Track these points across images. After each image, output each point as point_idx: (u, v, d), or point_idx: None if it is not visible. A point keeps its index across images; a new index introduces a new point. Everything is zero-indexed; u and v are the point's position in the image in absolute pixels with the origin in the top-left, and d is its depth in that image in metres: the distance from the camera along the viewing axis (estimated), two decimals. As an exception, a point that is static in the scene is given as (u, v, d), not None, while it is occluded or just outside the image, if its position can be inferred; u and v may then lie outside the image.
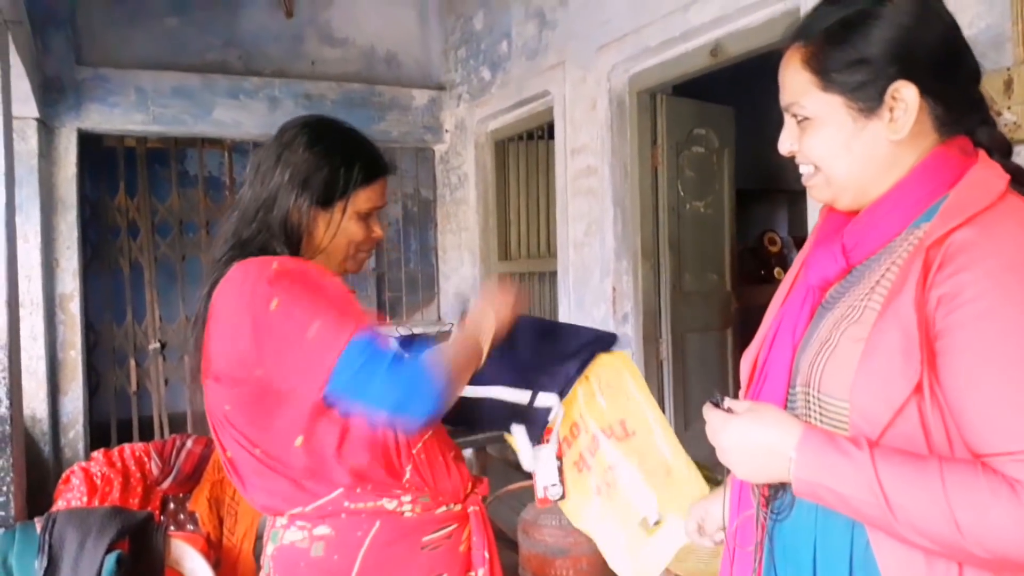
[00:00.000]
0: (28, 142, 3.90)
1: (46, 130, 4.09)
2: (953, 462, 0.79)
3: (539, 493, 1.61)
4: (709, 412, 0.93)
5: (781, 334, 1.01)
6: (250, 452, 1.27)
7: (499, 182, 4.74)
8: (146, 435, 4.25)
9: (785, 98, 0.97)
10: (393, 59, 4.99)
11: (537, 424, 1.62)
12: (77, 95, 4.16)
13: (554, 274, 4.07)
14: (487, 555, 1.39)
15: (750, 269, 5.41)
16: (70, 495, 2.65)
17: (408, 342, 1.29)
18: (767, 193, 5.67)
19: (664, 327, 3.62)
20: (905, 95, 0.90)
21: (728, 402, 0.93)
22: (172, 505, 2.84)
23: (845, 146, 0.93)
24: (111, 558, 1.92)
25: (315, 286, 1.24)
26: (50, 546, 1.94)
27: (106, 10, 4.28)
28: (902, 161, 0.93)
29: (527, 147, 4.53)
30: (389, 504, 1.30)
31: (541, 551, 2.71)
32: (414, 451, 1.33)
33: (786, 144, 1.00)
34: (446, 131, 5.05)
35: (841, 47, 0.91)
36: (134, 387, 4.47)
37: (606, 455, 1.61)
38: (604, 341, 1.70)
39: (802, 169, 1.00)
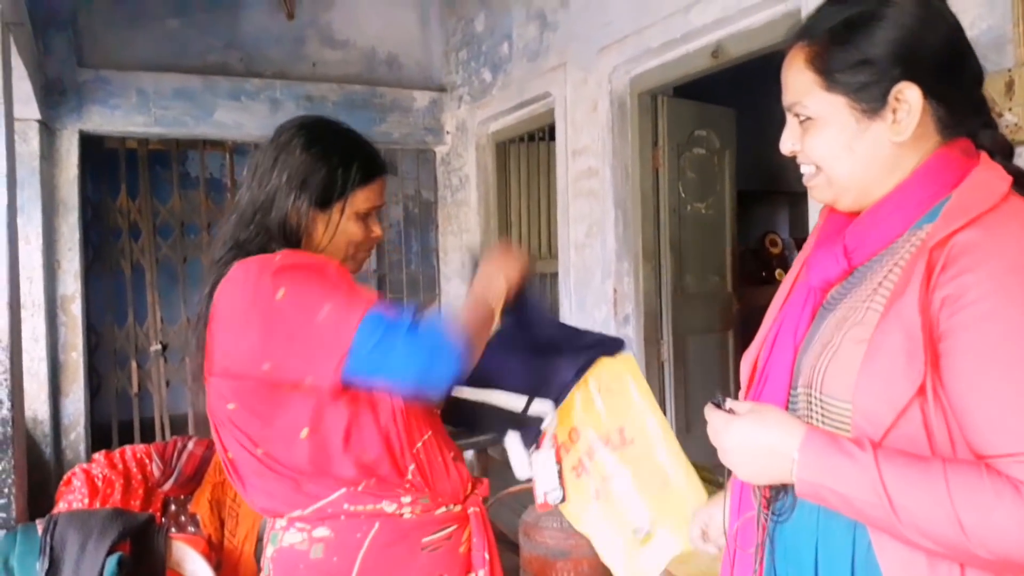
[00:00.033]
0: (30, 144, 3.90)
1: (48, 132, 4.09)
2: (957, 463, 0.79)
3: (539, 498, 1.59)
4: (711, 413, 0.93)
5: (782, 335, 1.01)
6: (251, 452, 1.27)
7: (500, 184, 4.74)
8: (147, 437, 4.24)
9: (788, 98, 0.97)
10: (394, 61, 5.00)
11: (530, 432, 1.61)
12: (79, 97, 4.17)
13: (555, 275, 4.07)
14: (487, 556, 1.39)
15: (751, 270, 5.40)
16: (71, 497, 2.65)
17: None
18: (768, 194, 5.67)
19: (665, 329, 3.61)
20: (909, 97, 0.89)
21: (730, 403, 0.93)
22: (173, 507, 2.84)
23: (847, 147, 0.93)
24: (112, 560, 1.92)
25: (320, 272, 1.24)
26: (51, 548, 1.94)
27: (107, 12, 4.28)
28: (904, 163, 0.93)
29: (528, 149, 4.53)
30: (389, 507, 1.29)
31: (542, 553, 2.71)
32: (416, 447, 1.32)
33: (788, 144, 0.99)
34: (447, 133, 5.05)
35: (845, 47, 0.91)
36: (135, 389, 4.47)
37: (603, 463, 1.59)
38: (607, 346, 1.67)
39: (803, 169, 1.00)
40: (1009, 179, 0.87)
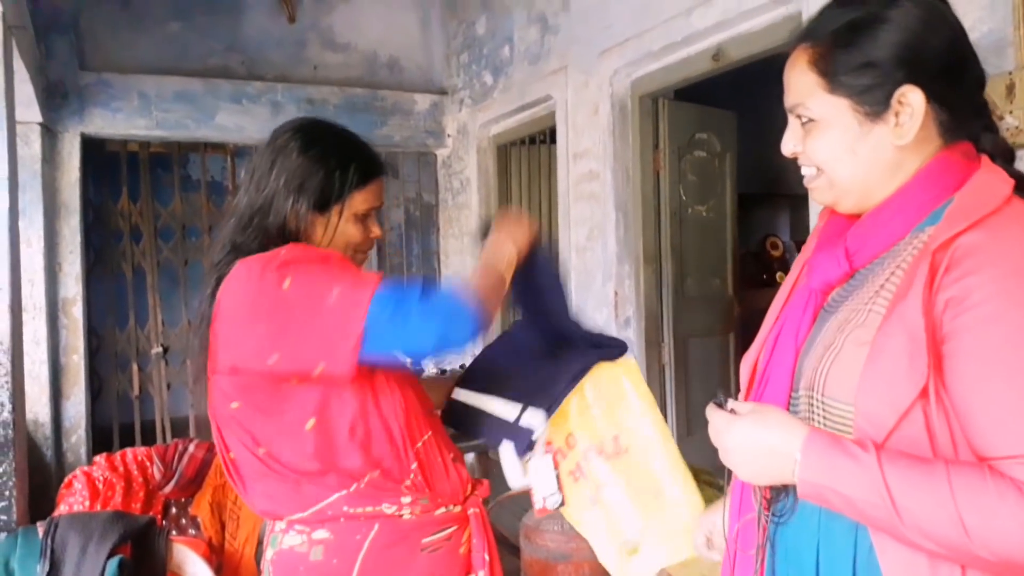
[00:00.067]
0: (31, 147, 3.91)
1: (49, 135, 4.09)
2: (960, 465, 0.79)
3: (537, 504, 1.57)
4: (712, 413, 0.93)
5: (783, 338, 1.01)
6: (253, 452, 1.27)
7: (501, 186, 4.74)
8: (148, 439, 4.24)
9: (790, 99, 0.97)
10: (395, 64, 5.00)
11: (521, 441, 1.58)
12: (80, 100, 4.17)
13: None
14: (487, 557, 1.39)
15: (752, 273, 5.40)
16: (72, 500, 2.65)
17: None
18: (769, 197, 5.67)
19: (666, 331, 3.61)
20: (912, 100, 0.89)
21: (732, 403, 0.92)
22: (174, 509, 2.84)
23: (850, 149, 0.93)
24: (113, 563, 1.92)
25: (324, 260, 1.25)
26: (52, 551, 1.94)
27: (109, 15, 4.29)
28: (906, 165, 0.93)
29: (529, 151, 4.54)
30: (388, 508, 1.29)
31: (543, 556, 2.70)
32: (418, 445, 1.32)
33: (789, 145, 0.99)
34: (448, 135, 5.05)
35: (849, 50, 0.91)
36: (136, 391, 4.47)
37: (596, 472, 1.57)
38: (608, 351, 1.62)
39: (805, 171, 1.00)
40: (1011, 182, 0.88)
